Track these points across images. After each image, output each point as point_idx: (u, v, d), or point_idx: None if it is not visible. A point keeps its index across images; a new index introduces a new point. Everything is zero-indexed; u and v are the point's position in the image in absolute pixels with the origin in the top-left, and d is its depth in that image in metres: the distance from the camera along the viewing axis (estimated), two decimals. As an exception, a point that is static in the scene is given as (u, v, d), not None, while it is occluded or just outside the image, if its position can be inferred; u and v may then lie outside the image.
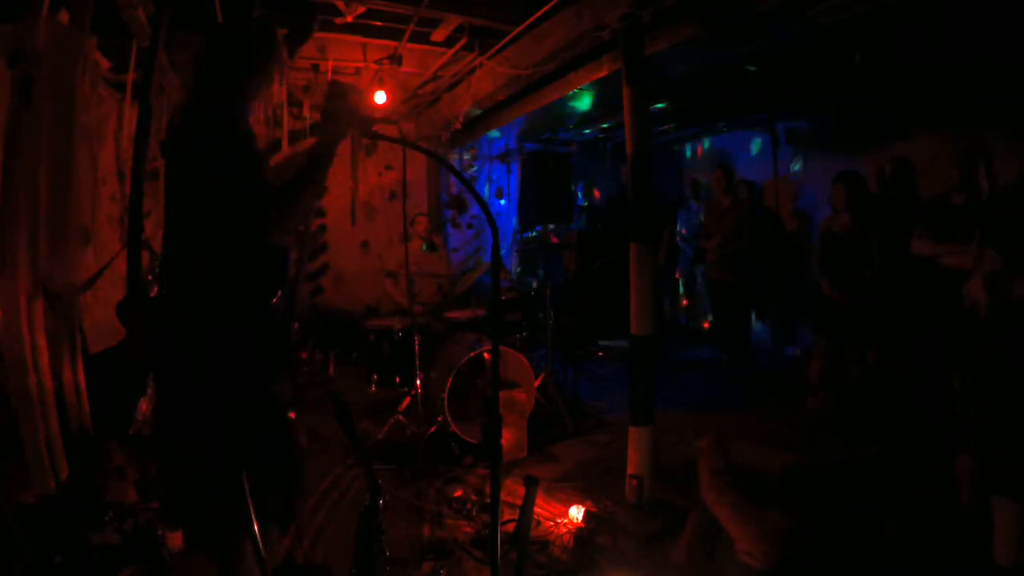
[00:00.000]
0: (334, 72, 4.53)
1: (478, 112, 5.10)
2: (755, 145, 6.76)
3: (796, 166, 6.28)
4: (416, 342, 3.45)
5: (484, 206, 1.39)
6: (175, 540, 2.20)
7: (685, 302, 6.94)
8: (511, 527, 2.20)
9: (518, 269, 7.29)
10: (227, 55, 1.56)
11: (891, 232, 3.39)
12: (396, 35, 3.93)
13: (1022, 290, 2.00)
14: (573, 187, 7.28)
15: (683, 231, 6.22)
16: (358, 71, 4.67)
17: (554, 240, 6.62)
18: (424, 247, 4.70)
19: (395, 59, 4.21)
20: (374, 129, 1.61)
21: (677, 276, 6.58)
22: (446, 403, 3.31)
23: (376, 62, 4.38)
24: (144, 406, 2.67)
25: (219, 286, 1.46)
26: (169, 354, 1.51)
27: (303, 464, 1.82)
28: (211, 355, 1.45)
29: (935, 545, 2.28)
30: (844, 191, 3.66)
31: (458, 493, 2.90)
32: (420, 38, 3.98)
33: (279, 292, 1.59)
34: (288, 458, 1.66)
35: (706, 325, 6.41)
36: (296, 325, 3.74)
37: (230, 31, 1.63)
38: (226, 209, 1.41)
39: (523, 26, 3.42)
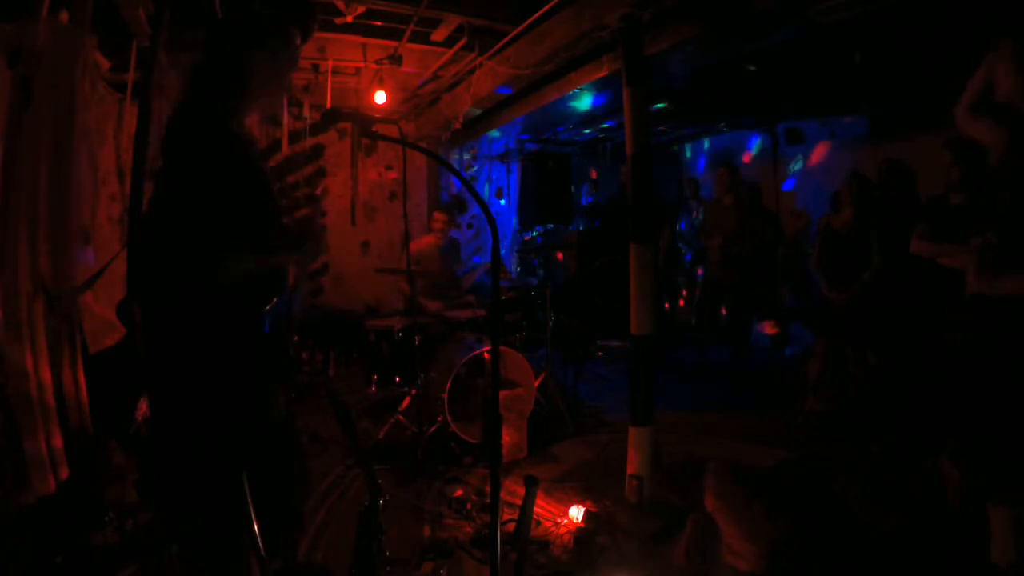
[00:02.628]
0: (334, 72, 4.53)
1: (478, 112, 5.11)
2: (755, 145, 6.78)
3: (796, 166, 6.29)
4: (416, 342, 3.45)
5: (484, 206, 1.39)
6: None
7: (684, 302, 6.94)
8: (511, 527, 2.21)
9: (518, 269, 7.30)
10: (229, 51, 1.47)
11: (890, 232, 3.40)
12: (396, 35, 3.94)
13: (1009, 285, 1.99)
14: (573, 187, 7.29)
15: (683, 231, 6.22)
16: (358, 71, 4.68)
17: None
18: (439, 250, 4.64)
19: (395, 59, 4.21)
20: (374, 129, 1.61)
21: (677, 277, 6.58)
22: (446, 403, 3.31)
23: (376, 62, 4.38)
24: (144, 406, 2.67)
25: (208, 292, 1.43)
26: (160, 361, 1.49)
27: (303, 473, 1.81)
28: (200, 362, 1.43)
29: (934, 545, 2.28)
30: (855, 186, 3.68)
31: (458, 493, 2.90)
32: (420, 38, 3.98)
33: (273, 300, 1.56)
34: (284, 468, 1.65)
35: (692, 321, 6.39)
36: (295, 337, 3.70)
37: (234, 24, 1.50)
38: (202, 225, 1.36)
39: (523, 26, 3.42)
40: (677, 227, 6.19)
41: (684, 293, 6.84)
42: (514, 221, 7.59)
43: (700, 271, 6.25)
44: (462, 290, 4.70)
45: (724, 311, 5.06)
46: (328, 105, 4.56)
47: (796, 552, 2.07)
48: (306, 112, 5.61)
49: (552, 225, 6.51)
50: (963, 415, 2.13)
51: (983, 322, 2.05)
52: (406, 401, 3.67)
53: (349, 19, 3.61)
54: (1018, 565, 1.94)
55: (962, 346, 2.16)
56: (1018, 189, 2.01)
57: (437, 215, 4.59)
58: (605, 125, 6.43)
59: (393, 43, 4.08)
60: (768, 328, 5.62)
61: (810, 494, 2.35)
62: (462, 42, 3.94)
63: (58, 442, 2.18)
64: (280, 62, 1.54)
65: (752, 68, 4.19)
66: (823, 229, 3.86)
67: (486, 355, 3.50)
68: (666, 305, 6.51)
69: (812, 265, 3.86)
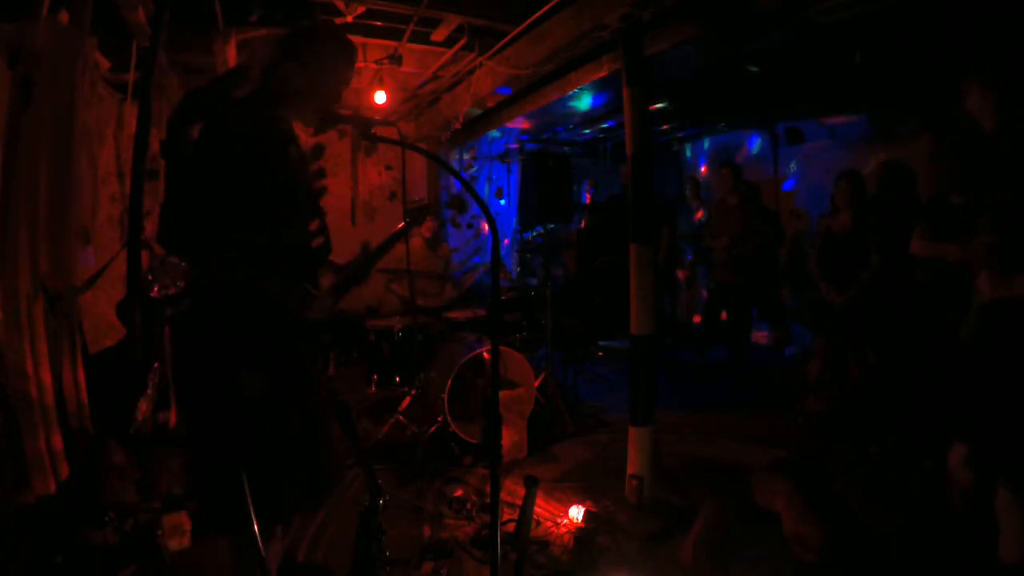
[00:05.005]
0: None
1: (478, 112, 5.11)
2: (755, 145, 6.77)
3: (796, 166, 6.29)
4: (416, 342, 3.46)
5: (484, 206, 1.39)
6: (175, 540, 2.21)
7: (685, 303, 6.93)
8: (511, 527, 2.21)
9: (518, 269, 7.29)
10: (268, 64, 1.60)
11: (889, 233, 3.39)
12: (396, 35, 3.93)
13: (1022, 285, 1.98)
14: (574, 187, 7.26)
15: (683, 231, 6.21)
16: (358, 71, 4.68)
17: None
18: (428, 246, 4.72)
19: (395, 59, 4.21)
20: (373, 131, 1.61)
21: (680, 276, 6.57)
22: (446, 403, 3.31)
23: (376, 62, 4.38)
24: (144, 406, 2.67)
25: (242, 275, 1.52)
26: (194, 345, 1.57)
27: (329, 454, 1.84)
28: (230, 346, 1.53)
29: (935, 545, 2.28)
30: (848, 188, 3.66)
31: (458, 493, 2.90)
32: (420, 38, 3.98)
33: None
34: (311, 448, 1.70)
35: (697, 320, 6.39)
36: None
37: (275, 39, 1.66)
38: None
39: (523, 26, 3.42)
40: (677, 227, 6.18)
41: (684, 291, 6.83)
42: (514, 221, 7.59)
43: (701, 271, 6.25)
44: (454, 286, 4.76)
45: (727, 312, 5.06)
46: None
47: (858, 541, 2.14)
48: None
49: (552, 225, 6.52)
50: (973, 418, 2.12)
51: (999, 326, 2.03)
52: (406, 401, 3.67)
53: (349, 19, 3.61)
54: None
55: (977, 350, 2.14)
56: (1018, 188, 2.01)
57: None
58: (605, 125, 6.43)
59: (393, 43, 4.08)
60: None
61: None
62: (462, 42, 3.94)
63: (58, 442, 2.18)
64: (310, 74, 1.64)
65: (752, 68, 4.19)
66: (823, 231, 3.86)
67: (486, 355, 3.50)
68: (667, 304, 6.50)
69: (811, 266, 3.86)
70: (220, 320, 1.53)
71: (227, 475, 1.50)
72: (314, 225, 1.76)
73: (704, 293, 6.40)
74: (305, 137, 1.74)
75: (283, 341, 1.62)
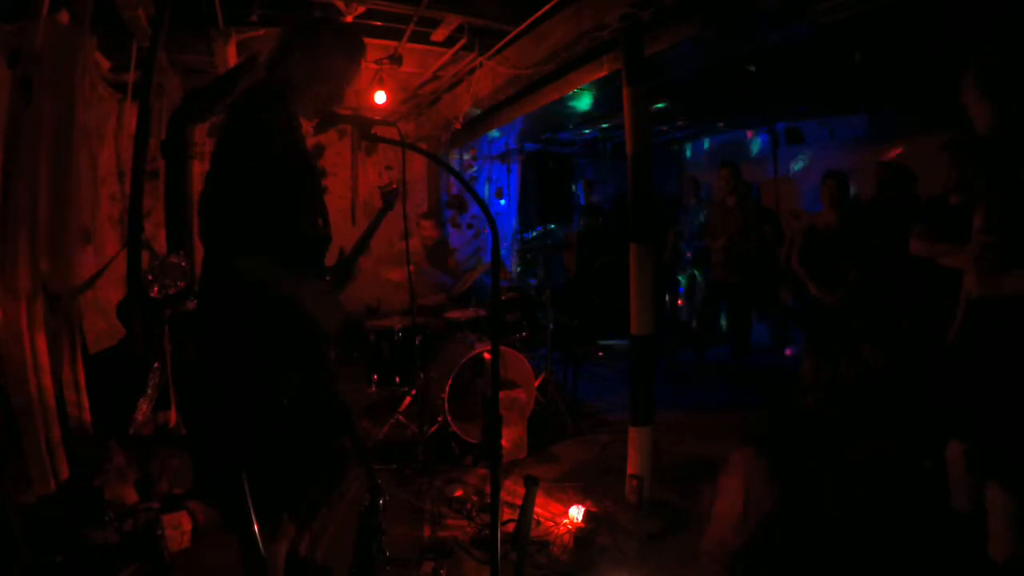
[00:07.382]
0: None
1: (478, 112, 5.10)
2: (755, 145, 6.77)
3: (796, 166, 6.29)
4: (416, 342, 3.45)
5: (484, 206, 1.39)
6: (175, 540, 2.21)
7: (684, 302, 6.93)
8: (511, 527, 2.21)
9: (518, 269, 7.29)
10: (276, 55, 1.62)
11: (883, 233, 3.40)
12: (396, 35, 3.93)
13: (1011, 285, 1.98)
14: (573, 187, 7.27)
15: (683, 231, 6.21)
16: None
17: None
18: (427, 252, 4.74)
19: (395, 59, 4.21)
20: (373, 131, 1.61)
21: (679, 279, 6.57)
22: (446, 403, 3.31)
23: (376, 62, 4.37)
24: (144, 406, 2.67)
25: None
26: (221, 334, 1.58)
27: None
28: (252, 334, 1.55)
29: (932, 542, 2.28)
30: (834, 188, 3.67)
31: (458, 493, 2.90)
32: (420, 38, 3.97)
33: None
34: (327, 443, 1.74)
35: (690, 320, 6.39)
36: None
37: (310, 25, 1.68)
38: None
39: (523, 26, 3.42)
40: (677, 227, 6.18)
41: (684, 293, 6.83)
42: (514, 221, 7.58)
43: (700, 271, 6.24)
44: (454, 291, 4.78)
45: (726, 312, 5.06)
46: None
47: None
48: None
49: (552, 225, 6.51)
50: (970, 419, 2.12)
51: (989, 325, 2.03)
52: (406, 401, 3.67)
53: (349, 19, 3.61)
54: (1015, 559, 1.93)
55: (969, 351, 2.14)
56: (1007, 189, 2.02)
57: (423, 223, 5.01)
58: (605, 125, 6.43)
59: (393, 43, 4.08)
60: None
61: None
62: (462, 42, 3.94)
63: (58, 442, 2.18)
64: (315, 63, 1.64)
65: (752, 68, 4.19)
66: (805, 230, 3.87)
67: (486, 355, 3.50)
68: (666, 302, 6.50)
69: (794, 266, 3.86)
70: (241, 319, 1.54)
71: (252, 471, 1.51)
72: (320, 220, 1.77)
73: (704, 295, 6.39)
74: (305, 134, 1.74)
75: (301, 339, 1.63)
